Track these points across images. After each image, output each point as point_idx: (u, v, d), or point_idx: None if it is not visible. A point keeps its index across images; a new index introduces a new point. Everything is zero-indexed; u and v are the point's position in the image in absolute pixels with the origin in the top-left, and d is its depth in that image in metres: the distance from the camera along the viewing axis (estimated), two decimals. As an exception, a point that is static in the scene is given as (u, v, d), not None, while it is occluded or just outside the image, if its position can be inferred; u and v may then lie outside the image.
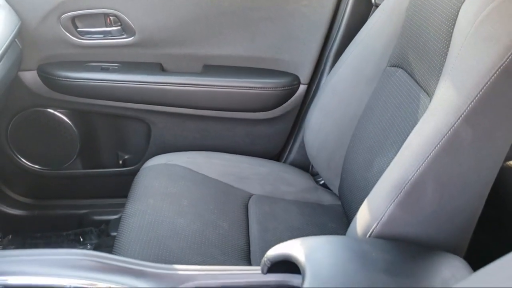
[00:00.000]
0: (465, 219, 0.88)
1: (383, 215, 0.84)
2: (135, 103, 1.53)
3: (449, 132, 0.79)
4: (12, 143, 1.59)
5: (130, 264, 0.84)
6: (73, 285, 0.78)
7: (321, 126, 1.40)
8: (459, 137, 0.79)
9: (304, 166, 1.61)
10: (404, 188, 0.83)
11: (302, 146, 1.57)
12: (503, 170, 0.87)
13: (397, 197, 0.83)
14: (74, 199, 1.72)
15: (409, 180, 0.82)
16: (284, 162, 1.67)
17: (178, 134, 1.61)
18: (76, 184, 1.71)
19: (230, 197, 1.36)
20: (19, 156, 1.61)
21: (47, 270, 0.80)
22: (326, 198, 1.46)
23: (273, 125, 1.61)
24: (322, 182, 1.54)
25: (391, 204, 0.84)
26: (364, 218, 0.88)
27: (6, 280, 0.77)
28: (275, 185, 1.46)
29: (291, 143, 1.65)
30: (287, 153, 1.66)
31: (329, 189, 1.48)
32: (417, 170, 0.82)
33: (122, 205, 1.28)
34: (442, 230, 0.87)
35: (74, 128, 1.59)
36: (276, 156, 1.68)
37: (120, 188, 1.56)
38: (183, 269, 0.86)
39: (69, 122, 1.58)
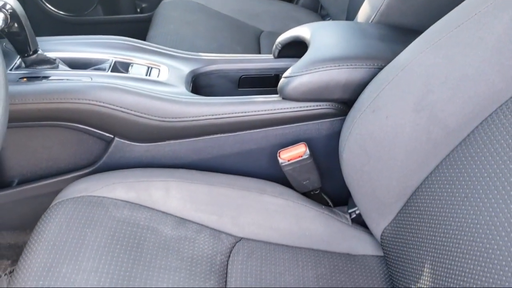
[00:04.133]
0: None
1: (382, 4, 0.95)
2: None
3: None
4: (37, -12, 1.69)
5: (161, 49, 0.98)
6: (114, 59, 0.91)
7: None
8: None
9: (314, 8, 1.70)
10: (401, -22, 0.92)
11: (312, -11, 1.65)
12: None
13: (394, -14, 0.93)
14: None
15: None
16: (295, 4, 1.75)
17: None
18: (97, 30, 1.81)
19: (242, 30, 1.47)
20: (44, 2, 1.71)
21: (91, 49, 0.93)
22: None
23: (283, -34, 1.67)
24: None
25: (388, -6, 0.94)
26: (365, 10, 0.99)
27: (57, 54, 0.91)
28: (285, 23, 1.55)
29: (300, -14, 1.72)
30: (297, -4, 1.74)
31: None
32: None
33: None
34: (434, 20, 0.98)
35: (94, -27, 1.67)
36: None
37: (139, 33, 1.66)
38: (207, 56, 0.99)
39: (89, -34, 1.66)
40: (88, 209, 0.76)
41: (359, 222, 0.89)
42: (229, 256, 0.79)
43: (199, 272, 0.74)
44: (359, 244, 0.85)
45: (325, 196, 0.95)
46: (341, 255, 0.83)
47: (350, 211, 0.90)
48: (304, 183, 0.89)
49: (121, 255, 0.72)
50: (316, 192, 0.93)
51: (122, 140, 0.87)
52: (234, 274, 0.76)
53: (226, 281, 0.75)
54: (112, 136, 0.87)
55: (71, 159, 0.91)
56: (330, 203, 0.95)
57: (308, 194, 0.92)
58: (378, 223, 0.81)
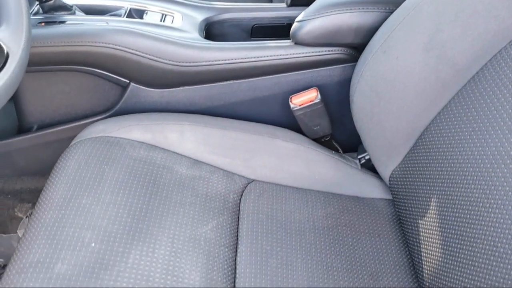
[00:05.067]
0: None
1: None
2: None
3: None
4: None
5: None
6: (129, 6, 0.93)
7: None
8: None
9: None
10: None
11: None
12: None
13: None
14: None
15: None
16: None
17: None
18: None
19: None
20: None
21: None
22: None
23: None
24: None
25: None
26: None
27: (73, 1, 0.92)
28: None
29: None
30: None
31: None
32: None
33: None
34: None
35: None
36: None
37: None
38: (220, 4, 1.00)
39: None
40: (106, 148, 0.79)
41: (368, 167, 0.91)
42: (242, 195, 0.81)
43: (213, 207, 0.77)
44: (368, 188, 0.87)
45: (335, 144, 0.97)
46: (350, 197, 0.86)
47: (359, 156, 0.91)
48: (315, 129, 0.91)
49: (138, 190, 0.75)
50: (327, 139, 0.95)
51: (137, 86, 0.89)
52: (246, 210, 0.78)
53: (238, 217, 0.78)
54: (128, 81, 0.89)
55: (88, 104, 0.93)
56: (340, 150, 0.97)
57: (319, 141, 0.94)
58: (387, 166, 0.83)
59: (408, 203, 0.78)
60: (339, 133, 0.96)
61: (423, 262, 0.70)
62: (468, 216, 0.61)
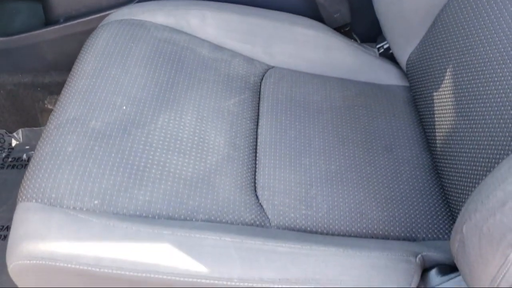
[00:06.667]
0: None
1: None
2: None
3: None
4: None
5: None
6: None
7: None
8: None
9: None
10: None
11: None
12: None
13: None
14: None
15: None
16: None
17: None
18: None
19: None
20: None
21: None
22: None
23: None
24: None
25: None
26: None
27: None
28: None
29: None
30: None
31: None
32: None
33: None
34: None
35: None
36: None
37: None
38: None
39: None
40: (132, 29, 0.82)
41: (386, 56, 0.92)
42: (262, 78, 0.84)
43: (235, 86, 0.80)
44: (386, 75, 0.90)
45: (354, 36, 0.98)
46: (367, 83, 0.88)
47: (378, 46, 0.93)
48: (335, 16, 0.92)
49: (164, 65, 0.78)
50: (346, 29, 0.96)
51: (160, -26, 0.91)
52: (266, 92, 0.82)
53: (259, 97, 0.81)
54: (150, -31, 0.90)
55: (112, -5, 0.95)
56: (359, 41, 0.98)
57: (339, 32, 0.95)
58: (405, 49, 0.84)
59: (424, 84, 0.80)
60: (358, 24, 0.97)
61: (437, 131, 0.73)
62: (482, 76, 0.63)
